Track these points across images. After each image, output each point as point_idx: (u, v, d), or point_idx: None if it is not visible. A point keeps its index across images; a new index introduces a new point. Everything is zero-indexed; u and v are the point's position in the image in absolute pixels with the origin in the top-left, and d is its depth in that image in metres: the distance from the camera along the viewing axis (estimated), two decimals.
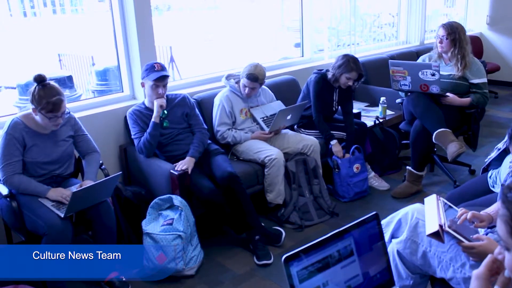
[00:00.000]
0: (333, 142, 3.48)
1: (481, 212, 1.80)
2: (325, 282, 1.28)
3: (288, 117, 3.41)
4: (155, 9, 4.54)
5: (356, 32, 5.14)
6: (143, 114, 3.03)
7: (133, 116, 3.03)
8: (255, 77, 3.26)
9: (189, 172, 2.88)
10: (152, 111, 2.98)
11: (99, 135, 3.01)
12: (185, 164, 2.90)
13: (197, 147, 3.02)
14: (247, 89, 3.31)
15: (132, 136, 3.04)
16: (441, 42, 3.58)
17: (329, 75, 3.52)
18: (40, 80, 2.39)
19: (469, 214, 1.75)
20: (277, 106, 3.54)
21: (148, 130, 2.95)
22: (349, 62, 3.43)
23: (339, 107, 3.70)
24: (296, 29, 4.83)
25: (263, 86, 3.49)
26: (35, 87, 2.39)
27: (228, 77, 3.44)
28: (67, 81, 5.19)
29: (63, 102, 2.41)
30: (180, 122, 3.10)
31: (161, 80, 2.95)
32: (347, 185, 3.50)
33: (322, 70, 3.63)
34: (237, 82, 3.40)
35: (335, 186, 3.55)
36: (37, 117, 2.42)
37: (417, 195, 3.55)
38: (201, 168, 3.04)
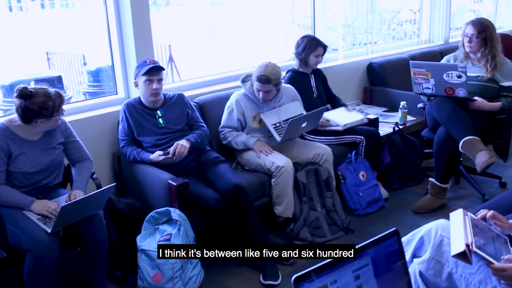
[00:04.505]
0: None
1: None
2: None
3: (304, 125, 3.31)
4: (152, 4, 4.58)
5: (373, 30, 5.15)
6: (135, 109, 3.08)
7: (124, 113, 3.07)
8: (267, 78, 3.16)
9: (185, 152, 2.93)
10: (146, 107, 3.08)
11: (90, 141, 3.03)
12: (179, 144, 2.93)
13: (196, 136, 3.07)
14: (261, 93, 3.23)
15: (119, 136, 3.11)
16: (470, 41, 3.57)
17: (297, 63, 3.81)
18: (23, 95, 2.37)
19: (489, 213, 1.82)
20: (294, 107, 3.43)
21: (140, 157, 3.01)
22: (310, 41, 3.76)
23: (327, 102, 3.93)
24: (307, 27, 4.84)
25: (285, 85, 3.46)
26: (21, 103, 2.37)
27: (246, 79, 3.37)
28: (56, 82, 5.24)
29: (56, 99, 2.43)
30: (177, 123, 3.12)
31: (154, 73, 2.97)
32: (356, 195, 3.52)
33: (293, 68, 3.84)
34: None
35: (344, 199, 3.55)
36: (42, 125, 2.45)
37: (441, 210, 3.54)
38: (201, 179, 3.05)
